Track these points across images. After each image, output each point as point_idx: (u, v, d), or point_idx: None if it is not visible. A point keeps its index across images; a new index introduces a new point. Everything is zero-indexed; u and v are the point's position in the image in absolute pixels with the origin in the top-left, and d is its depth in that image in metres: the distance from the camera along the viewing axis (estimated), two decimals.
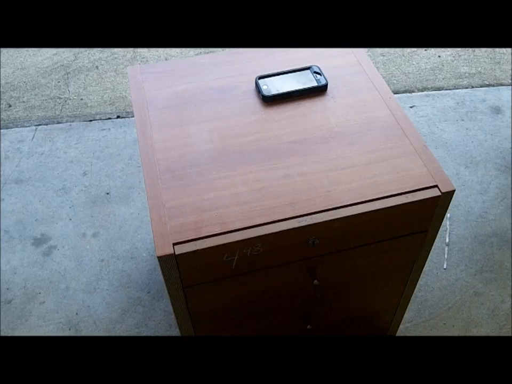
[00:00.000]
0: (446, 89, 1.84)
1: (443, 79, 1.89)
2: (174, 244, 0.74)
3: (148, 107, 0.96)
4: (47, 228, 1.45)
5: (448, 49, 2.01)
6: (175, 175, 0.84)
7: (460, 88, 1.84)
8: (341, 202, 0.79)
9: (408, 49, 2.04)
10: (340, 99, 0.97)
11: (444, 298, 1.28)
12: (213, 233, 0.75)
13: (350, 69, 1.03)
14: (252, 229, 0.75)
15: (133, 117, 1.85)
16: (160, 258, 0.73)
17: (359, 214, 0.78)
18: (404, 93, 1.84)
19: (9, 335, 1.23)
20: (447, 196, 0.81)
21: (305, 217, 0.77)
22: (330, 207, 0.78)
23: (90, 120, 1.80)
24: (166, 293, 1.29)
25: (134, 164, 1.63)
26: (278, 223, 0.76)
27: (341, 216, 0.77)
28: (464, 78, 1.89)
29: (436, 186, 0.81)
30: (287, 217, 0.77)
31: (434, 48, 2.02)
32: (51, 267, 1.36)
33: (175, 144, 0.89)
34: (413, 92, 1.84)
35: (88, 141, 1.72)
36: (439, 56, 1.99)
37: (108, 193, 1.54)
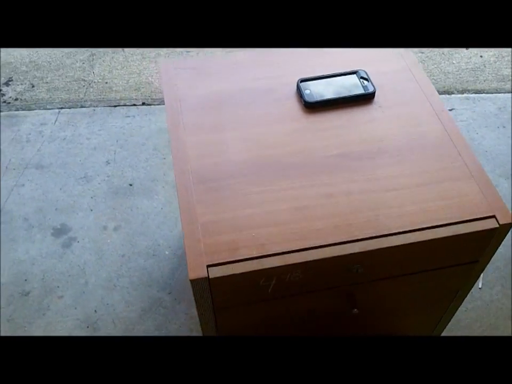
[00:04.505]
0: (487, 93, 1.75)
1: (484, 81, 1.79)
2: (208, 266, 0.68)
3: (181, 107, 0.90)
4: (68, 218, 1.41)
5: (491, 48, 1.91)
6: (209, 187, 0.78)
7: (502, 92, 1.75)
8: (389, 229, 0.73)
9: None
10: (388, 109, 0.90)
11: (478, 320, 1.22)
12: (249, 256, 0.69)
13: (399, 75, 0.96)
14: (292, 254, 0.70)
15: (159, 104, 1.79)
16: (193, 281, 0.68)
17: (408, 244, 0.72)
18: (442, 94, 1.75)
19: (26, 328, 1.20)
20: (506, 228, 0.74)
21: (351, 244, 0.71)
22: (377, 234, 0.72)
23: (115, 106, 1.75)
24: (188, 295, 1.25)
25: (159, 155, 1.57)
26: (320, 248, 0.70)
27: (389, 245, 0.71)
28: (506, 81, 1.79)
29: (494, 216, 0.74)
30: (330, 242, 0.71)
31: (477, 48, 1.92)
32: (70, 260, 1.32)
33: (210, 151, 0.83)
34: (452, 93, 1.76)
35: (112, 128, 1.67)
36: (481, 56, 1.89)
37: (131, 185, 1.49)
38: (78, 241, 1.36)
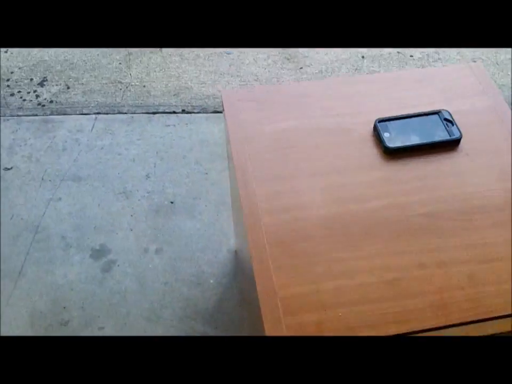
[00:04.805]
0: None
1: None
2: None
3: (247, 150, 0.82)
4: (107, 238, 1.35)
5: None
6: (285, 251, 0.71)
7: None
8: (491, 312, 0.65)
9: (503, 56, 1.83)
10: (476, 158, 0.81)
11: None
12: None
13: (484, 116, 0.87)
14: None
15: (199, 112, 1.71)
16: None
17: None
18: None
19: None
20: None
21: (451, 329, 0.63)
22: (479, 318, 0.64)
23: (154, 113, 1.67)
24: (235, 330, 1.19)
25: (201, 170, 1.50)
26: (417, 334, 0.63)
27: (492, 332, 0.63)
28: None
29: None
30: (428, 327, 0.63)
31: None
32: (111, 286, 1.26)
33: (283, 204, 0.75)
34: None
35: (151, 138, 1.59)
36: None
37: (172, 202, 1.42)
38: (118, 265, 1.30)
